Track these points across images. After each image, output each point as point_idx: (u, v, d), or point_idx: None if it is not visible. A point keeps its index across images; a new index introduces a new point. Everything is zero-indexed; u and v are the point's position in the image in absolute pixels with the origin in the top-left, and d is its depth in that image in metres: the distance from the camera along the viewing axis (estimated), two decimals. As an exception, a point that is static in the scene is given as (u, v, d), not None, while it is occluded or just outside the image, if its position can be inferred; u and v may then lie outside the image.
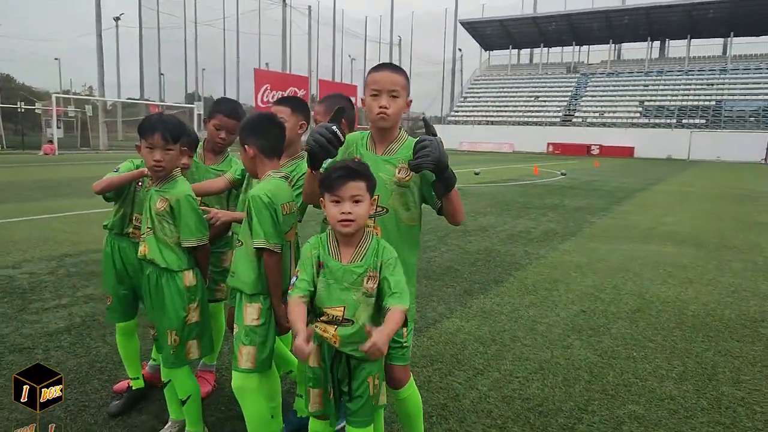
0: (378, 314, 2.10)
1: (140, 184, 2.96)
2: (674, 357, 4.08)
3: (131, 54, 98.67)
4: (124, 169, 2.95)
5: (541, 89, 67.29)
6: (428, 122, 2.28)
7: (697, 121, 54.20)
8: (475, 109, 68.80)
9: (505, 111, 65.32)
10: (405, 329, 2.36)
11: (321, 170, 2.28)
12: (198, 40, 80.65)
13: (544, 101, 65.14)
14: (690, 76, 61.00)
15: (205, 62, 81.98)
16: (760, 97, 54.23)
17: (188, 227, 2.61)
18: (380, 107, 2.32)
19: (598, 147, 54.02)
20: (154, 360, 3.42)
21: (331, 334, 2.10)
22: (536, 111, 63.98)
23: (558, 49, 73.31)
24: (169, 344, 2.64)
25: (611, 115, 59.03)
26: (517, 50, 76.26)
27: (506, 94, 69.24)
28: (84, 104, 39.93)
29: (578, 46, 70.98)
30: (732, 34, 61.15)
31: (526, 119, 62.95)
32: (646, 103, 58.76)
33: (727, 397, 3.47)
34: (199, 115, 36.20)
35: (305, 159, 2.40)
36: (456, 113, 70.00)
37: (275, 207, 2.42)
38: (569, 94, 65.19)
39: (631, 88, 62.26)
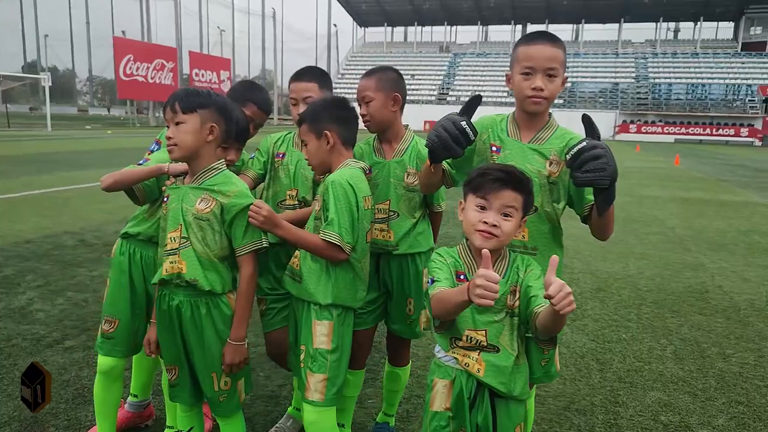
0: (521, 338, 1.76)
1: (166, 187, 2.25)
2: (658, 335, 4.19)
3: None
4: (155, 161, 2.24)
5: (416, 67, 68.74)
6: (592, 121, 1.82)
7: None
8: (353, 86, 68.50)
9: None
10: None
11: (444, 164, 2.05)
12: (38, 2, 71.02)
13: (420, 79, 66.70)
14: (549, 59, 65.87)
15: (48, 28, 72.46)
16: (606, 79, 60.07)
17: (251, 226, 2.02)
18: (533, 89, 1.95)
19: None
20: (134, 396, 2.75)
21: (474, 360, 1.72)
22: (413, 89, 65.31)
23: (433, 28, 75.22)
24: (217, 390, 2.07)
25: (482, 94, 62.02)
26: (392, 28, 77.02)
27: (383, 71, 69.75)
28: None
29: (450, 26, 73.41)
30: (583, 21, 66.94)
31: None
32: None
33: (727, 373, 3.60)
34: (44, 88, 31.77)
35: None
36: (334, 91, 69.01)
37: (357, 198, 2.04)
38: (443, 73, 67.37)
39: (498, 68, 65.78)
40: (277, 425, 2.77)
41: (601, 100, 58.41)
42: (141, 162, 2.29)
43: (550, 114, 2.07)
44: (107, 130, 35.70)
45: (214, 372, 2.05)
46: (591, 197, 1.93)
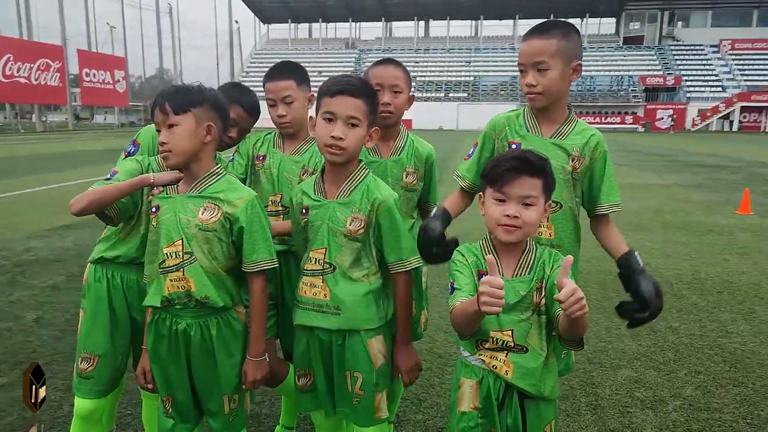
0: (550, 337, 1.72)
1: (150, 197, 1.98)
2: (610, 315, 4.35)
3: None
4: (125, 173, 1.95)
5: (323, 64, 68.24)
6: (637, 260, 1.97)
7: (460, 94, 60.78)
8: (260, 84, 66.68)
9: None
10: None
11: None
12: None
13: (327, 76, 65.50)
14: (451, 54, 67.92)
15: None
16: (506, 73, 62.85)
17: (263, 241, 1.84)
18: (526, 85, 1.93)
19: (380, 120, 57.23)
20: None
21: (502, 362, 1.66)
22: (320, 86, 64.74)
23: (337, 24, 74.99)
24: (227, 411, 1.89)
25: (389, 89, 62.86)
26: (296, 24, 75.91)
27: (289, 68, 68.71)
28: None
29: (354, 23, 73.53)
30: (481, 17, 69.61)
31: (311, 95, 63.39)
32: (418, 78, 63.78)
33: (680, 346, 3.83)
34: None
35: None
36: (239, 89, 67.15)
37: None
38: (350, 69, 67.32)
39: (404, 63, 66.75)
40: None
41: (502, 92, 61.02)
42: (109, 177, 1.99)
43: (569, 108, 2.04)
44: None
45: (225, 394, 1.88)
46: (605, 198, 2.03)
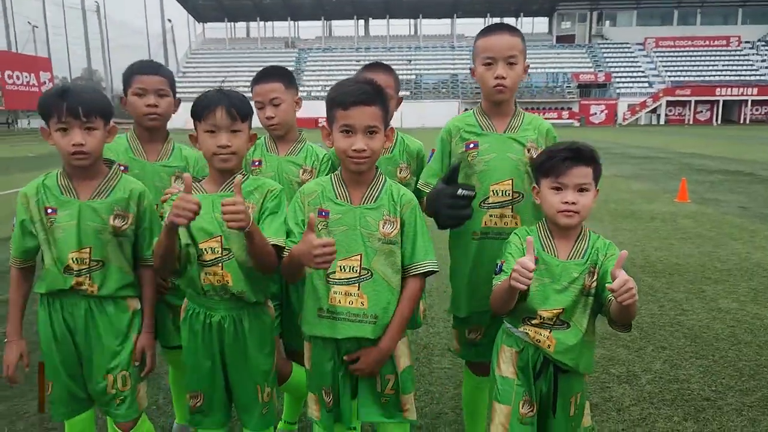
0: (593, 317, 1.85)
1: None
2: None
3: None
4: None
5: (263, 64, 65.92)
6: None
7: (403, 93, 60.92)
8: (197, 85, 65.01)
9: (230, 86, 62.60)
10: None
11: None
12: None
13: (267, 76, 65.35)
14: (392, 53, 68.32)
15: None
16: (446, 71, 63.95)
17: (281, 222, 1.92)
18: (496, 77, 2.04)
19: (324, 119, 56.83)
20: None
21: (545, 337, 1.80)
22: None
23: (275, 23, 74.00)
24: (262, 402, 1.95)
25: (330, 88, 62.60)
26: (232, 23, 74.36)
27: (228, 68, 67.19)
28: None
29: (293, 21, 72.77)
30: (420, 16, 70.49)
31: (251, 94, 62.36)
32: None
33: (643, 324, 4.12)
34: None
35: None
36: (177, 91, 65.12)
37: None
38: (291, 69, 65.93)
39: (345, 63, 66.75)
40: None
41: (443, 90, 62.00)
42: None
43: (515, 103, 2.19)
44: None
45: (258, 384, 1.95)
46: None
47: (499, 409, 1.86)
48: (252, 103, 2.37)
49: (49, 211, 1.88)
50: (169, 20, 78.34)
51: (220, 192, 1.89)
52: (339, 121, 1.81)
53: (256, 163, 2.45)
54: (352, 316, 1.85)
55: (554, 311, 1.80)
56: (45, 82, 50.41)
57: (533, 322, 1.83)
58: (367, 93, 1.81)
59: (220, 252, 1.85)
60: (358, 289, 1.85)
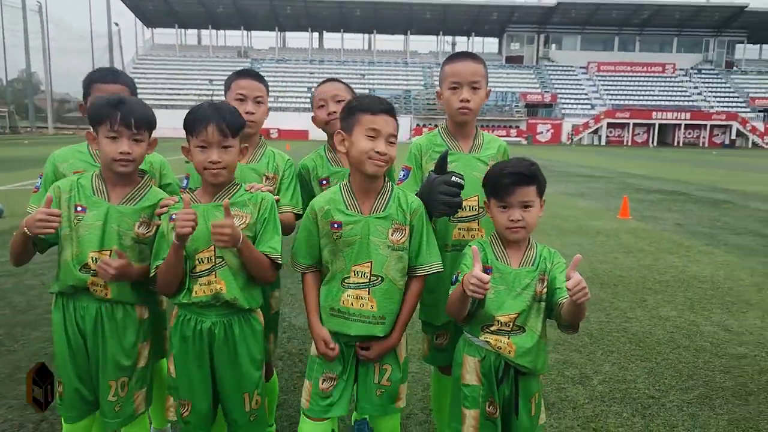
0: (544, 321, 2.04)
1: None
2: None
3: None
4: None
5: (214, 72, 66.15)
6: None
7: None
8: (144, 91, 63.29)
9: (179, 94, 62.14)
10: None
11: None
12: None
13: (219, 85, 64.27)
14: (346, 67, 68.79)
15: None
16: (399, 86, 64.89)
17: (276, 234, 2.02)
18: (461, 100, 2.24)
19: (276, 130, 56.48)
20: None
21: (505, 343, 1.97)
22: (213, 95, 62.76)
23: (228, 32, 73.15)
24: (248, 410, 2.01)
25: (284, 99, 62.36)
26: (183, 30, 73.01)
27: (177, 76, 65.80)
28: None
29: (246, 31, 72.18)
30: (375, 31, 71.37)
31: (201, 102, 61.16)
32: (313, 90, 63.87)
33: (593, 331, 4.41)
34: None
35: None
36: (122, 95, 63.08)
37: None
38: (243, 78, 65.96)
39: (299, 74, 66.69)
40: None
41: (396, 105, 61.55)
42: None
43: (476, 125, 2.41)
44: None
45: (246, 392, 2.00)
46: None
47: (469, 413, 2.02)
48: (226, 96, 2.45)
49: (79, 209, 1.95)
50: (116, 24, 75.94)
51: (213, 202, 1.98)
52: (364, 125, 1.96)
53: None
54: (363, 318, 2.02)
55: (510, 316, 1.96)
56: (-21, 83, 47.90)
57: (492, 329, 1.98)
58: (391, 106, 2.03)
59: (213, 260, 1.93)
60: (368, 294, 2.01)
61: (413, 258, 2.08)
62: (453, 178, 2.06)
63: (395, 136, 2.01)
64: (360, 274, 2.00)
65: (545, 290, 2.01)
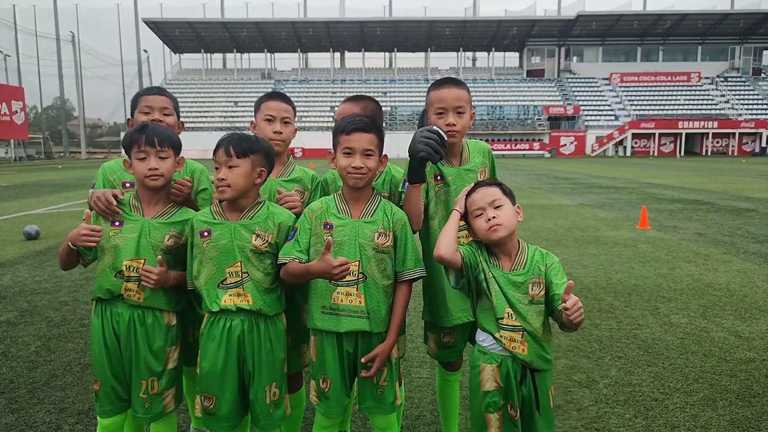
0: (546, 318, 2.17)
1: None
2: (594, 318, 5.00)
3: None
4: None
5: (239, 94, 67.73)
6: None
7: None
8: (172, 114, 65.11)
9: (206, 117, 63.69)
10: None
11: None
12: None
13: (244, 107, 65.85)
14: (368, 85, 69.68)
15: None
16: (421, 103, 65.21)
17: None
18: (447, 125, 2.42)
19: (300, 150, 57.35)
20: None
21: (519, 342, 2.09)
22: (237, 116, 64.26)
23: (252, 55, 74.88)
24: (268, 402, 2.21)
25: (307, 119, 63.36)
26: (209, 54, 75.04)
27: (204, 99, 67.52)
28: None
29: (270, 53, 73.82)
30: (395, 50, 72.28)
31: (228, 124, 62.57)
32: (335, 108, 64.77)
33: (603, 338, 4.50)
34: None
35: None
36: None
37: None
38: (267, 99, 67.25)
39: (321, 94, 67.85)
40: None
41: (417, 122, 63.26)
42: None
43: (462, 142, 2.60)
44: None
45: (267, 385, 2.20)
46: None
47: (493, 417, 2.14)
48: (256, 117, 2.65)
49: (117, 223, 2.22)
50: (145, 50, 78.61)
51: (240, 221, 2.20)
52: (342, 144, 2.20)
53: None
54: (352, 313, 2.20)
55: (511, 319, 2.11)
56: (17, 111, 49.95)
57: (503, 322, 2.10)
58: (365, 122, 2.22)
59: (240, 275, 2.16)
60: (357, 290, 2.20)
61: (399, 264, 2.27)
62: (434, 127, 2.25)
63: (371, 150, 2.20)
64: (350, 272, 2.16)
65: (542, 293, 2.13)
